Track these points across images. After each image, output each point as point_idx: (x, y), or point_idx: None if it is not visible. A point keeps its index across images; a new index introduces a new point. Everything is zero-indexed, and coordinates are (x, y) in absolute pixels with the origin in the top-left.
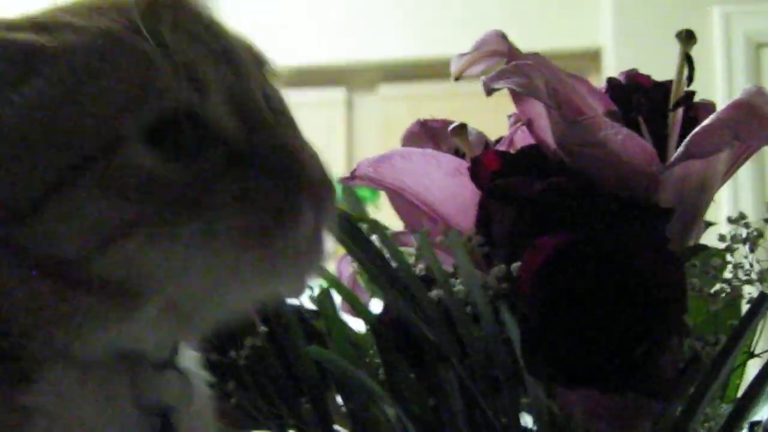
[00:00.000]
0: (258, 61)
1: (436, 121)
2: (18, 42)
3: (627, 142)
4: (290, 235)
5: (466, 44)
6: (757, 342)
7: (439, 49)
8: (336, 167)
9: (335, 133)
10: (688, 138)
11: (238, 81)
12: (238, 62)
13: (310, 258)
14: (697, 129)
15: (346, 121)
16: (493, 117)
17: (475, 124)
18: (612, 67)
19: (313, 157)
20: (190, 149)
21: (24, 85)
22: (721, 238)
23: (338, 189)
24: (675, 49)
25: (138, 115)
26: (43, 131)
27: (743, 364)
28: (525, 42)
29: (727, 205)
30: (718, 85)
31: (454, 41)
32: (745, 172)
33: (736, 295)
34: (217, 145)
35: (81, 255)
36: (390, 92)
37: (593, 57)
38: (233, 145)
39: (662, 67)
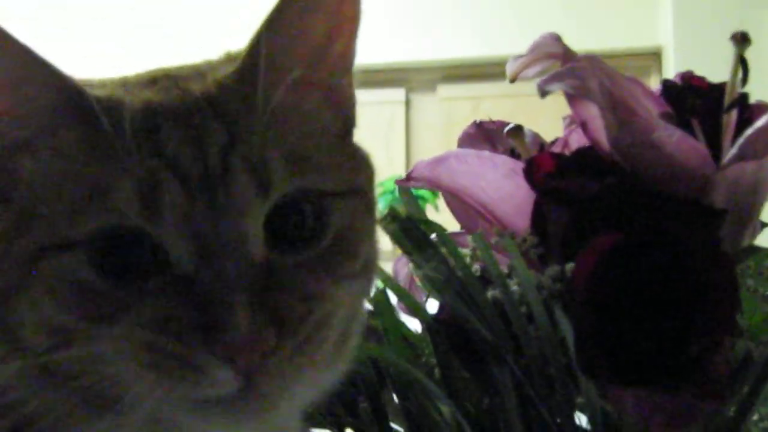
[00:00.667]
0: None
1: (493, 122)
2: None
3: (680, 144)
4: (193, 390)
5: (526, 44)
6: None
7: (498, 48)
8: (396, 165)
9: (395, 132)
10: (741, 139)
11: (197, 202)
12: (201, 175)
13: (237, 415)
14: (749, 130)
15: (405, 121)
16: (554, 116)
17: (535, 123)
18: (672, 66)
19: (250, 310)
20: (132, 267)
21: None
22: None
23: (395, 190)
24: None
25: (85, 226)
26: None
27: None
28: (586, 42)
29: None
30: None
31: (514, 41)
32: None
33: None
34: (164, 268)
35: (42, 349)
36: (449, 92)
37: (654, 56)
38: (181, 270)
39: (723, 65)
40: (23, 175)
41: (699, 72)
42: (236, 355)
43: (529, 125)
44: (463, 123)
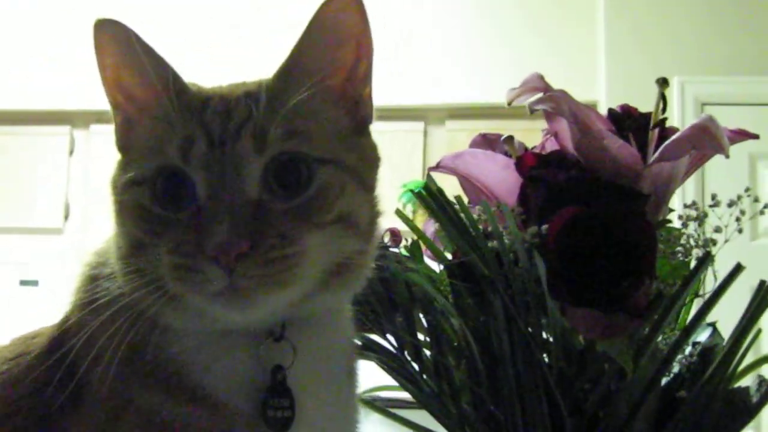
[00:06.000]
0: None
1: (492, 134)
2: None
3: (621, 149)
4: (197, 286)
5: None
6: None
7: (486, 97)
8: (416, 174)
9: (415, 154)
10: (661, 147)
11: (215, 153)
12: (220, 136)
13: (228, 305)
14: (667, 141)
15: (423, 146)
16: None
17: None
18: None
19: (231, 224)
20: (175, 199)
21: None
22: (680, 217)
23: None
24: (650, 101)
25: (149, 166)
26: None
27: (691, 303)
28: None
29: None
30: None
31: (497, 91)
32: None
33: (687, 255)
34: (192, 199)
35: (128, 253)
36: (454, 126)
37: (593, 106)
38: (199, 201)
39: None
40: (134, 136)
41: None
42: (219, 254)
43: None
44: (462, 148)
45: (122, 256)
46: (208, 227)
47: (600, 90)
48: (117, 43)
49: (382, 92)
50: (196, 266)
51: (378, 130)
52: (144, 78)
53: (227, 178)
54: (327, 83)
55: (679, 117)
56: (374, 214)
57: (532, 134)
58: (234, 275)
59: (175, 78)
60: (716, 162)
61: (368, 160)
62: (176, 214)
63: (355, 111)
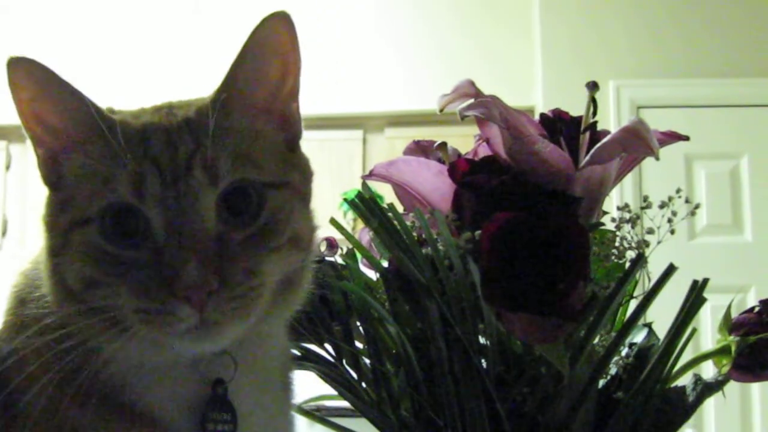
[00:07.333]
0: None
1: (426, 141)
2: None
3: (553, 153)
4: (168, 327)
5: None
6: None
7: (425, 104)
8: (355, 183)
9: (354, 162)
10: (592, 150)
11: (168, 188)
12: (171, 171)
13: (196, 340)
14: (598, 144)
15: (362, 154)
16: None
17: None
18: None
19: (198, 263)
20: (128, 236)
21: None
22: (613, 219)
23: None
24: (584, 105)
25: (97, 204)
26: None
27: (627, 304)
28: None
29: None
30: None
31: (435, 99)
32: (629, 178)
33: (621, 257)
34: (147, 236)
35: (78, 290)
36: (393, 134)
37: (530, 112)
38: (156, 240)
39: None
40: (65, 172)
41: None
42: (190, 295)
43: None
44: (401, 154)
45: (67, 291)
46: (174, 267)
47: (537, 96)
48: (32, 80)
49: (321, 101)
50: (167, 309)
51: (317, 139)
52: (65, 112)
53: (185, 214)
54: (257, 102)
55: (615, 120)
56: (312, 227)
57: (472, 140)
58: (205, 312)
59: (98, 110)
60: (652, 163)
61: (305, 176)
62: (130, 251)
63: (285, 127)
